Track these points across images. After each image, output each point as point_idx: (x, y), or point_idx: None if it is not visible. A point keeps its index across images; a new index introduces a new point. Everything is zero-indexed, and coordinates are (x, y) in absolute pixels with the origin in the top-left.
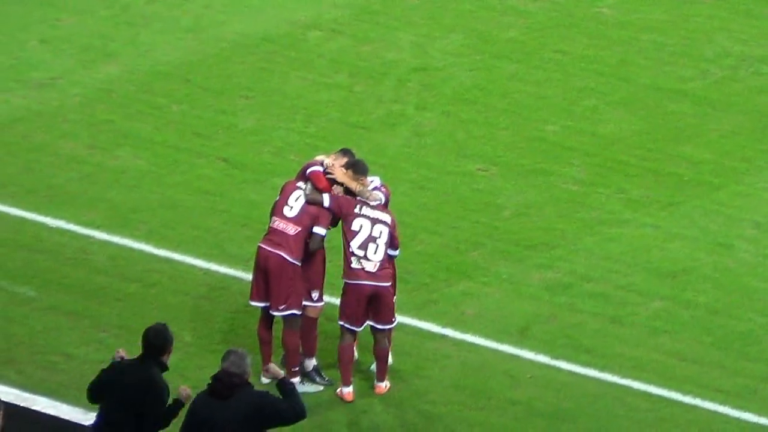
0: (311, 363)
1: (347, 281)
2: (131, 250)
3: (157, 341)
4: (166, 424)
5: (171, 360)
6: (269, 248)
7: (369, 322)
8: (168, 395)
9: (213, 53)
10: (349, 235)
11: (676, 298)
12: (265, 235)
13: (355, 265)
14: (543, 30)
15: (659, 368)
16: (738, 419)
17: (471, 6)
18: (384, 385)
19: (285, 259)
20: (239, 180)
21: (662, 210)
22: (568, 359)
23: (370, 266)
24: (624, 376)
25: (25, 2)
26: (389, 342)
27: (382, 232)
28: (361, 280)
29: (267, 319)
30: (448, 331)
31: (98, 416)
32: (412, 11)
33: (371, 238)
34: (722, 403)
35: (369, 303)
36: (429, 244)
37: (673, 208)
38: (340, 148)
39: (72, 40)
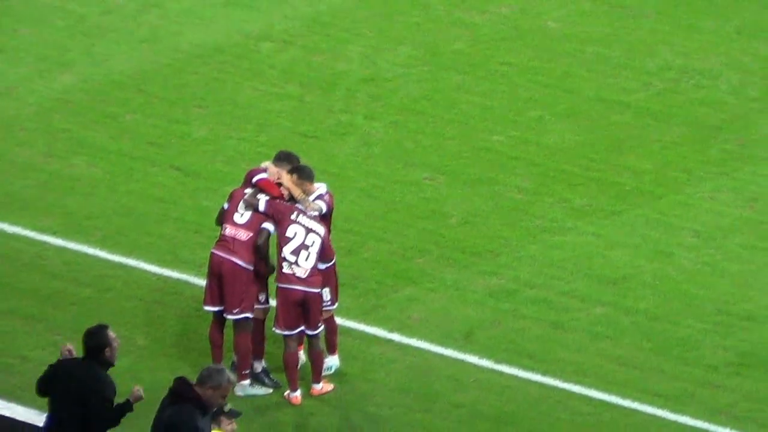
0: (260, 365)
1: (279, 285)
2: (86, 255)
3: (90, 342)
4: (115, 423)
5: (124, 363)
6: (222, 254)
7: (301, 327)
8: (113, 393)
9: (167, 63)
10: (282, 240)
11: (616, 304)
12: (217, 241)
13: (286, 270)
14: (489, 42)
15: (600, 373)
16: (676, 422)
17: (418, 18)
18: (319, 387)
19: (238, 264)
20: (192, 188)
21: (604, 218)
22: (511, 363)
23: (300, 272)
24: (565, 381)
25: None
26: (334, 346)
27: (315, 242)
28: (292, 285)
29: (219, 323)
30: (395, 336)
31: (48, 417)
32: (361, 23)
33: (303, 246)
34: (661, 407)
35: (300, 307)
36: (376, 251)
37: (615, 217)
38: (280, 151)
39: (29, 50)
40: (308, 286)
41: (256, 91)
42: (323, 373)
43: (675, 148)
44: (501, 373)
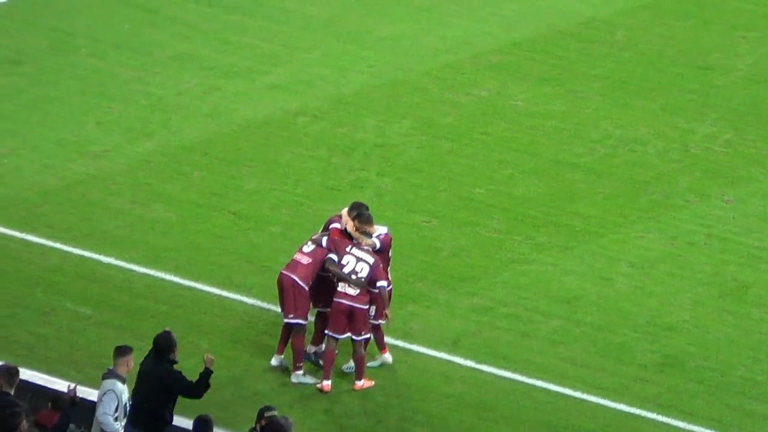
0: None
1: (334, 299)
2: (163, 280)
3: (160, 344)
4: (206, 388)
5: (191, 363)
6: (286, 272)
7: (348, 334)
8: (183, 377)
9: (226, 133)
10: (339, 266)
11: (569, 318)
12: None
13: (340, 288)
14: (472, 117)
15: (556, 371)
16: (615, 409)
17: (418, 99)
18: (360, 383)
19: (296, 280)
20: (245, 228)
21: (560, 252)
22: (489, 364)
23: (352, 291)
24: (530, 377)
25: (85, 93)
26: (383, 346)
27: (363, 269)
28: (342, 300)
29: (288, 327)
30: (399, 342)
31: (131, 405)
32: (375, 102)
33: (354, 272)
34: (603, 397)
35: (347, 318)
36: None
37: (568, 251)
38: (353, 202)
39: (120, 123)
40: (355, 302)
41: (294, 154)
42: (375, 366)
43: (614, 198)
44: (481, 371)
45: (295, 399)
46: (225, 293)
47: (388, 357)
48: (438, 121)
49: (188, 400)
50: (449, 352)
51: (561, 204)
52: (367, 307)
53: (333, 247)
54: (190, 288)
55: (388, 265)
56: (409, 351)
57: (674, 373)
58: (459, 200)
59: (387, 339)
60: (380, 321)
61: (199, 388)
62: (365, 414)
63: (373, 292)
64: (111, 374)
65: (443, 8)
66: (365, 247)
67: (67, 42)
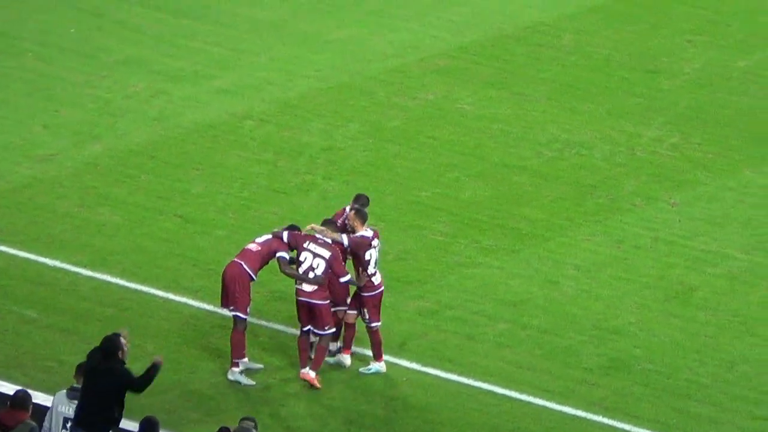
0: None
1: (296, 294)
2: (109, 283)
3: (108, 346)
4: (150, 382)
5: (138, 365)
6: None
7: (309, 327)
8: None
9: (172, 136)
10: (297, 263)
11: (515, 321)
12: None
13: (297, 285)
14: (419, 120)
15: (502, 373)
16: (560, 412)
17: (365, 102)
18: (312, 375)
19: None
20: (191, 231)
21: (506, 255)
22: (435, 366)
23: (308, 287)
24: (476, 380)
25: (32, 96)
26: (380, 354)
27: (319, 264)
28: (300, 297)
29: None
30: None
31: (78, 405)
32: (321, 106)
33: (311, 268)
34: (549, 399)
35: (308, 313)
36: None
37: (514, 254)
38: (359, 194)
39: (67, 126)
40: (312, 298)
41: (240, 158)
42: (367, 373)
43: (560, 201)
44: (426, 374)
45: (241, 401)
46: (171, 296)
47: (382, 366)
48: (385, 125)
49: (134, 402)
50: (395, 354)
51: (507, 207)
52: (326, 302)
53: (293, 242)
54: (136, 291)
55: (365, 266)
56: (355, 354)
57: (620, 376)
58: (405, 204)
59: (333, 344)
60: (375, 324)
61: (143, 380)
62: (311, 417)
63: (340, 287)
64: (76, 391)
65: (391, 12)
66: (321, 242)
67: (15, 45)
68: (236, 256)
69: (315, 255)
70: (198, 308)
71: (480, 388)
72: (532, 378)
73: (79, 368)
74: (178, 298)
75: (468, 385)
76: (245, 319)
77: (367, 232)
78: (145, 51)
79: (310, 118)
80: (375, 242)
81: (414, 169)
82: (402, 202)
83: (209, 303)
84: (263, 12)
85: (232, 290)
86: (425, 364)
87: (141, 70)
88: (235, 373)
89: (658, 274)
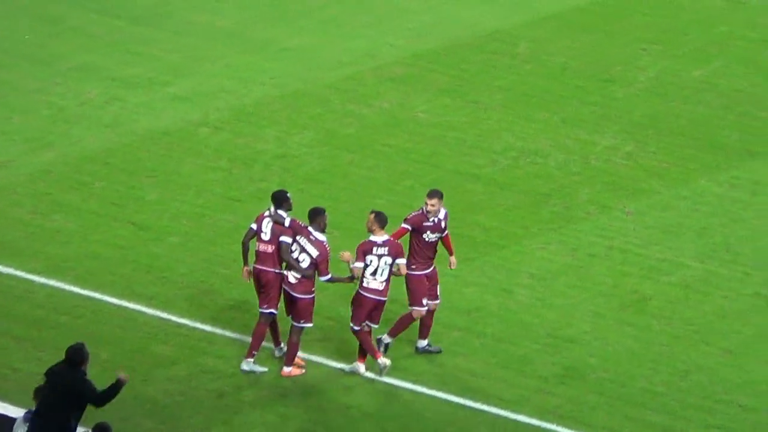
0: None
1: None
2: (63, 290)
3: (74, 356)
4: (112, 397)
5: (92, 372)
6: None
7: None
8: (94, 385)
9: (127, 143)
10: (289, 252)
11: (470, 329)
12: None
13: (285, 272)
14: (374, 128)
15: (457, 382)
16: (515, 420)
17: (320, 110)
18: (287, 370)
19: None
20: (145, 238)
21: (460, 263)
22: (390, 375)
23: (292, 279)
24: (431, 388)
25: None
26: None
27: (305, 260)
28: (285, 288)
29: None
30: (300, 353)
31: (33, 411)
32: (276, 113)
33: (297, 260)
34: (503, 408)
35: (290, 303)
36: None
37: (468, 262)
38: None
39: (21, 133)
40: (293, 290)
41: (195, 165)
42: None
43: (515, 210)
44: (381, 382)
45: (195, 409)
46: (125, 303)
47: (384, 361)
48: (339, 133)
49: (88, 409)
50: (350, 363)
51: (462, 215)
52: (308, 297)
53: (296, 227)
54: (90, 298)
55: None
56: (311, 362)
57: (574, 385)
58: (360, 211)
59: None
60: (352, 325)
61: (105, 395)
62: (265, 426)
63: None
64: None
65: (346, 20)
66: (313, 239)
67: None
68: (259, 262)
69: (302, 249)
70: (152, 315)
71: (434, 397)
72: (486, 386)
73: (38, 391)
74: (132, 305)
75: (422, 394)
76: (275, 315)
77: (377, 237)
78: (100, 58)
79: (265, 126)
80: (380, 250)
81: (369, 177)
82: (356, 210)
83: (163, 310)
84: (219, 20)
85: (268, 292)
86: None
87: (96, 76)
88: (250, 363)
89: (612, 283)
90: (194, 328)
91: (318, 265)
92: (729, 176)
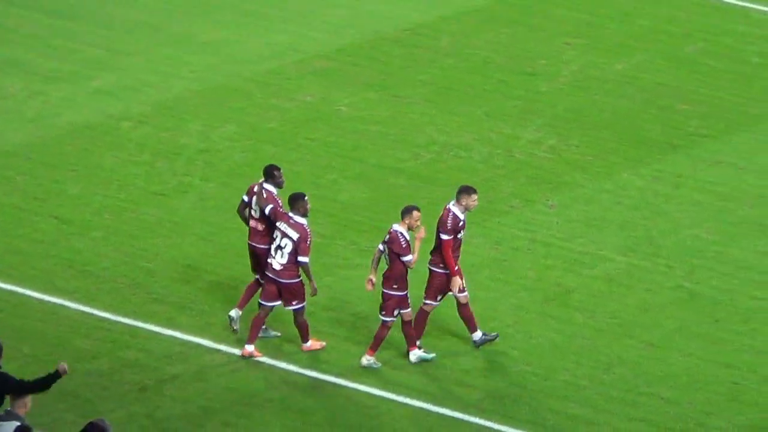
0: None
1: (265, 272)
2: None
3: None
4: (47, 387)
5: (13, 366)
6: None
7: (276, 303)
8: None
9: (49, 137)
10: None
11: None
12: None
13: (269, 260)
14: (296, 122)
15: (379, 375)
16: (438, 413)
17: (243, 104)
18: (307, 345)
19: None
20: (67, 233)
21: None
22: (313, 368)
23: (276, 265)
24: (353, 381)
25: None
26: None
27: (287, 244)
28: (269, 274)
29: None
30: (222, 347)
31: None
32: (198, 107)
33: (279, 247)
34: (426, 401)
35: (277, 290)
36: (209, 282)
37: None
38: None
39: None
40: (279, 276)
41: (117, 159)
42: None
43: (438, 203)
44: (302, 375)
45: (117, 403)
46: (47, 297)
47: (367, 360)
48: (262, 126)
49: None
50: (272, 356)
51: (386, 209)
52: (295, 281)
53: (276, 214)
54: (11, 292)
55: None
56: (232, 355)
57: (497, 378)
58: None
59: (208, 343)
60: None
61: (34, 384)
62: (187, 418)
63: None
64: (11, 416)
65: (269, 14)
66: (292, 222)
67: None
68: (250, 238)
69: (284, 235)
70: (74, 309)
71: (357, 390)
72: (408, 380)
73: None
74: (54, 299)
75: (345, 387)
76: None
77: (396, 227)
78: (21, 52)
79: (187, 120)
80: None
81: (291, 171)
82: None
83: (85, 304)
84: (140, 13)
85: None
86: (303, 366)
87: (17, 71)
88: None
89: (535, 276)
90: (116, 322)
91: (298, 246)
92: (651, 169)
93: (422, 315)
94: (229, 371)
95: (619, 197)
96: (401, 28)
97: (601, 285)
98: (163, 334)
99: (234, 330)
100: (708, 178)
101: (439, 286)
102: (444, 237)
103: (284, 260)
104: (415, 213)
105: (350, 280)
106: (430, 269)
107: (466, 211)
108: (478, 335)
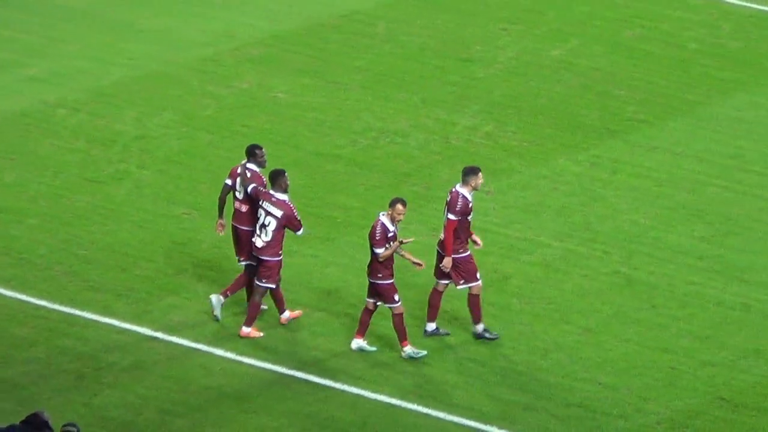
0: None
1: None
2: None
3: None
4: None
5: None
6: None
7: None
8: None
9: None
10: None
11: (330, 309)
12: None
13: (253, 239)
14: (232, 109)
15: (317, 362)
16: (375, 400)
17: (179, 91)
18: (246, 330)
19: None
20: (3, 220)
21: (321, 244)
22: (250, 356)
23: (259, 243)
24: (291, 368)
25: None
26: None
27: (270, 222)
28: (252, 252)
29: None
30: (159, 334)
31: None
32: (134, 94)
33: (263, 225)
34: (364, 388)
35: (257, 265)
36: (146, 269)
37: (329, 242)
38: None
39: None
40: (260, 254)
41: (53, 146)
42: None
43: (375, 190)
44: (241, 363)
45: (55, 391)
46: None
47: (358, 342)
48: (198, 114)
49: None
50: (209, 344)
51: (322, 195)
52: (276, 259)
53: (257, 194)
54: None
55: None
56: (169, 343)
57: (435, 364)
58: (219, 192)
59: (146, 331)
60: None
61: None
62: (125, 407)
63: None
64: None
65: (206, 1)
66: (274, 200)
67: None
68: (233, 220)
69: (267, 213)
70: (10, 297)
71: (294, 377)
72: (346, 366)
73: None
74: None
75: (283, 374)
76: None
77: (381, 216)
78: None
79: (123, 107)
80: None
81: (228, 158)
82: (216, 191)
83: (21, 292)
84: (77, 1)
85: (243, 247)
86: (239, 353)
87: None
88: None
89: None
90: (53, 310)
91: (288, 224)
92: (588, 155)
93: (436, 294)
94: (167, 359)
95: (556, 183)
96: (338, 14)
97: (538, 271)
98: (101, 322)
99: (215, 318)
100: (645, 164)
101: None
102: (451, 217)
103: (268, 238)
104: (399, 206)
105: (287, 267)
106: (438, 252)
107: (473, 191)
108: (480, 327)
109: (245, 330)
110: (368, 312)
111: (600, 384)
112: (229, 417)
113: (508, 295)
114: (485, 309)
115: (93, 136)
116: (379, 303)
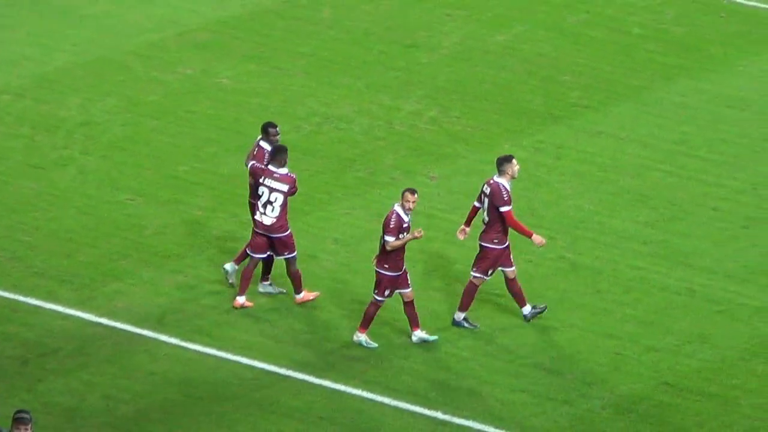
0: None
1: (254, 228)
2: None
3: None
4: None
5: None
6: None
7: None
8: None
9: None
10: (256, 197)
11: (275, 296)
12: None
13: (257, 217)
14: (177, 95)
15: (262, 348)
16: (320, 386)
17: (123, 77)
18: (300, 297)
19: None
20: None
21: None
22: (194, 341)
23: (267, 220)
24: (235, 354)
25: None
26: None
27: (277, 198)
28: (259, 230)
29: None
30: (104, 320)
31: None
32: (78, 80)
33: (268, 202)
34: (308, 373)
35: (268, 243)
36: (90, 255)
37: None
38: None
39: None
40: (270, 232)
41: None
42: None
43: (319, 175)
44: (186, 349)
45: None
46: None
47: (358, 337)
48: (142, 99)
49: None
50: (154, 329)
51: None
52: (286, 233)
53: (256, 170)
54: None
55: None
56: (114, 329)
57: (379, 350)
58: (163, 178)
59: (90, 316)
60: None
61: None
62: (69, 393)
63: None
64: None
65: None
66: (277, 176)
67: None
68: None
69: (272, 189)
70: None
71: (239, 363)
72: (291, 352)
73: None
74: None
75: (227, 360)
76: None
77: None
78: None
79: (67, 93)
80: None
81: (172, 144)
82: (160, 177)
83: None
84: None
85: None
86: (184, 339)
87: None
88: (265, 286)
89: (417, 248)
90: None
91: (291, 194)
92: (533, 140)
93: (471, 287)
94: (111, 344)
95: None
96: (283, 0)
97: None
98: (44, 308)
99: (231, 284)
100: (589, 149)
101: (491, 261)
102: (505, 209)
103: (275, 214)
104: (407, 194)
105: (231, 254)
106: (480, 245)
107: (512, 179)
108: (527, 309)
109: (299, 296)
110: (408, 304)
111: (545, 369)
112: (174, 403)
113: (452, 280)
114: (429, 294)
115: (37, 122)
116: (387, 296)
